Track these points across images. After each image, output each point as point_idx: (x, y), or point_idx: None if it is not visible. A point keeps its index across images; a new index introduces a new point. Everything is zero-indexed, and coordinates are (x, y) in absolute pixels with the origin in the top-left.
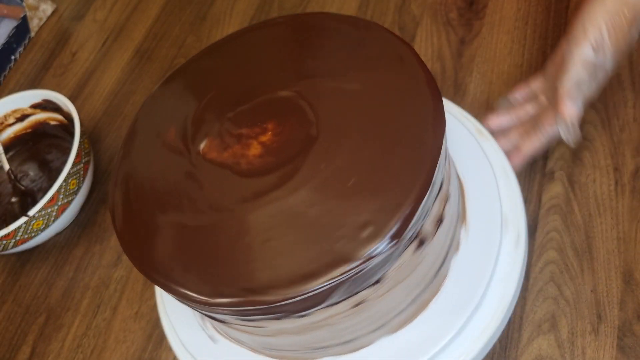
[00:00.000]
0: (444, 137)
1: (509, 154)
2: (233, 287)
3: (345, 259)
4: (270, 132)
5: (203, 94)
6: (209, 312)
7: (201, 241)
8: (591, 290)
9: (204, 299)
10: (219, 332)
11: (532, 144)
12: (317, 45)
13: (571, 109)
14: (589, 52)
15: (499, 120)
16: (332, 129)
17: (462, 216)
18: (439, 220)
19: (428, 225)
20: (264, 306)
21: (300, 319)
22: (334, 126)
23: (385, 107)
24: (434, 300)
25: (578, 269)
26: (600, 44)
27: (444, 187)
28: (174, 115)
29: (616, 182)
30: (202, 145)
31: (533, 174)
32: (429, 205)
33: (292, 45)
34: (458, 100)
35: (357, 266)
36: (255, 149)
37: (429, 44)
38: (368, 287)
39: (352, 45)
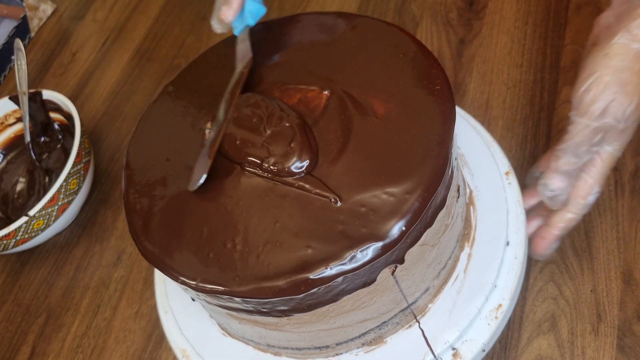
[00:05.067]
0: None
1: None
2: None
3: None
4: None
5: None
6: (223, 302)
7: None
8: (591, 290)
9: (217, 288)
10: (224, 329)
11: (550, 231)
12: (343, 44)
13: (557, 182)
14: (589, 120)
15: (528, 201)
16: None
17: (467, 215)
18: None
19: (450, 195)
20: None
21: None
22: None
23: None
24: (436, 299)
25: (578, 269)
26: (604, 108)
27: (454, 180)
28: (191, 100)
29: (616, 182)
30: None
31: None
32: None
33: (317, 43)
34: (458, 100)
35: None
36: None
37: (429, 44)
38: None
39: (376, 45)
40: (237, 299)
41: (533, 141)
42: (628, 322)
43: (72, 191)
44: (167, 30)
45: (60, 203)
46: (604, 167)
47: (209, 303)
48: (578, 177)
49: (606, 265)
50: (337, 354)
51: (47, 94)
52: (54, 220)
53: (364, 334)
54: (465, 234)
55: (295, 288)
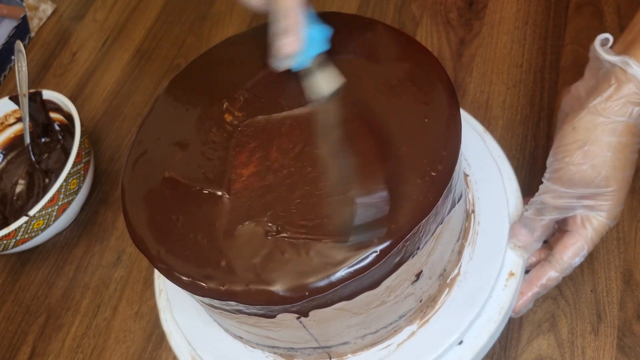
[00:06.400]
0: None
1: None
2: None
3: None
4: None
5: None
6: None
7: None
8: (591, 290)
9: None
10: (225, 330)
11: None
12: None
13: (521, 236)
14: (555, 185)
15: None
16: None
17: (468, 215)
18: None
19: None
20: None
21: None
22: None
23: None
24: (440, 302)
25: (578, 269)
26: (571, 177)
27: (457, 188)
28: (194, 98)
29: None
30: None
31: (533, 174)
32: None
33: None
34: (458, 100)
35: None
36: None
37: (429, 44)
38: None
39: (372, 46)
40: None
41: (533, 141)
42: (628, 322)
43: (72, 191)
44: (167, 30)
45: (60, 203)
46: (594, 234)
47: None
48: (569, 236)
49: (606, 265)
50: (252, 348)
51: (47, 94)
52: (54, 220)
53: (273, 347)
54: (422, 312)
55: (190, 287)
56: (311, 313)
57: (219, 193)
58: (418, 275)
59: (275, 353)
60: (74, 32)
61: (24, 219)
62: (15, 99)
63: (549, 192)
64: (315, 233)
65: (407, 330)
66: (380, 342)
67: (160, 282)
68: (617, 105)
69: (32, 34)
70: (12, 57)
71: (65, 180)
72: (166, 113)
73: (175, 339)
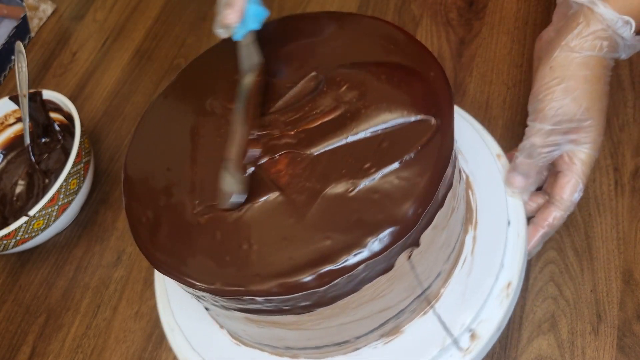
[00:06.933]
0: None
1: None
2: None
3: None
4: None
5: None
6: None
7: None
8: (591, 290)
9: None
10: (235, 338)
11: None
12: (339, 40)
13: (517, 182)
14: (541, 124)
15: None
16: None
17: (468, 217)
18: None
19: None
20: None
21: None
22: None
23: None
24: (438, 298)
25: (578, 269)
26: (555, 114)
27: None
28: (195, 95)
29: (616, 182)
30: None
31: None
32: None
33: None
34: (458, 100)
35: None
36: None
37: (429, 44)
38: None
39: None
40: (259, 299)
41: None
42: (628, 322)
43: (72, 191)
44: (167, 30)
45: (60, 203)
46: (584, 167)
47: (227, 309)
48: (562, 176)
49: (606, 265)
50: (356, 349)
51: (47, 94)
52: (54, 220)
53: (382, 325)
54: (468, 217)
55: (318, 280)
56: (421, 238)
57: (272, 196)
58: (460, 173)
59: (382, 335)
60: (74, 32)
61: (24, 219)
62: (15, 99)
63: (536, 133)
64: (384, 163)
65: (469, 239)
66: (458, 260)
67: (161, 282)
68: (587, 41)
69: (32, 34)
70: (12, 57)
71: (65, 180)
72: (149, 149)
73: (175, 339)
